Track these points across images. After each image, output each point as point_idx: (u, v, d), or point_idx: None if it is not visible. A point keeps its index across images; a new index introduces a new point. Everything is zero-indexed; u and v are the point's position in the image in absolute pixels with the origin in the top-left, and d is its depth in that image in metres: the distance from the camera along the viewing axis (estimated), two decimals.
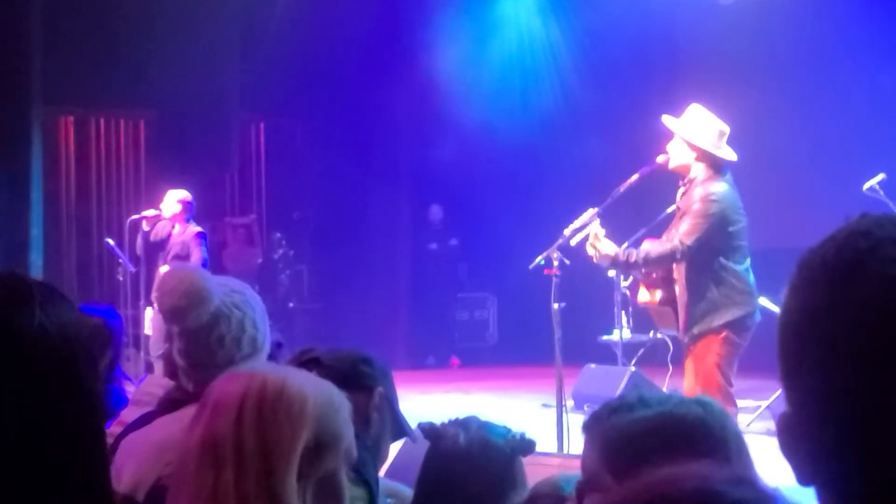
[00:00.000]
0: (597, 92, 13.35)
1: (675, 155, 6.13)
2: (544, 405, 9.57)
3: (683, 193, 6.13)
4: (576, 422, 4.62)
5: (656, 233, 6.41)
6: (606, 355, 10.62)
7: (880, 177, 8.21)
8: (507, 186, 13.85)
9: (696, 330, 5.98)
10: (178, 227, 10.19)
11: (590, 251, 6.07)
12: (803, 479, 0.96)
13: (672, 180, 6.37)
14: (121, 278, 11.12)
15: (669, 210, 6.49)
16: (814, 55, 11.68)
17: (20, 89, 11.34)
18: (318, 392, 1.80)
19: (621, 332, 10.46)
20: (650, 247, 6.11)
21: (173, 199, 10.24)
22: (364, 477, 2.49)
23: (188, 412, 2.57)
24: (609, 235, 6.09)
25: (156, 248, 10.31)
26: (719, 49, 12.22)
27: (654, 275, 6.31)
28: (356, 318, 13.37)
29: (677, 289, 6.10)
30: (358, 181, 14.01)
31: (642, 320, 10.12)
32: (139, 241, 10.54)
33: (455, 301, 14.68)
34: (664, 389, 9.84)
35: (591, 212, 6.18)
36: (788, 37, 11.75)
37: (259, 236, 14.40)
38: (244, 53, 13.59)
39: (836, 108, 11.36)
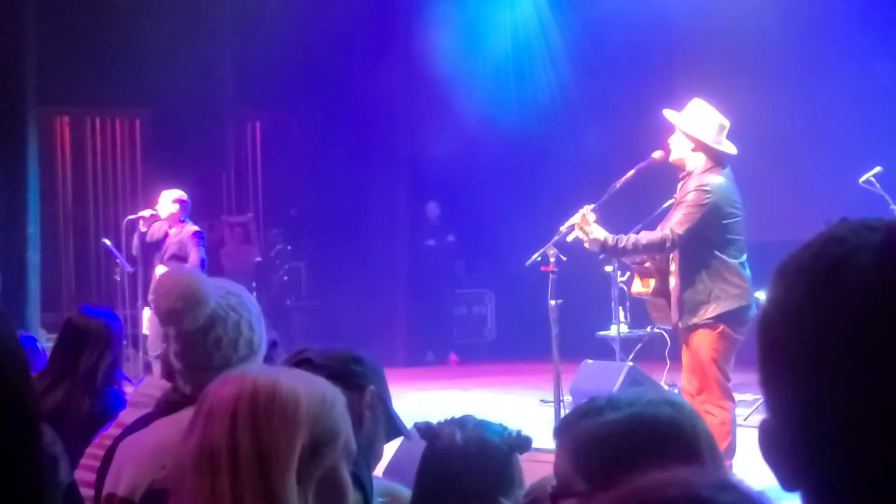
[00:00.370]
0: (594, 87, 13.35)
1: (676, 148, 6.15)
2: (542, 401, 9.58)
3: (681, 186, 6.15)
4: None
5: (653, 228, 6.41)
6: (604, 351, 10.61)
7: (876, 169, 8.22)
8: (505, 183, 13.85)
9: (688, 321, 5.99)
10: (174, 228, 10.17)
11: (579, 235, 6.08)
12: (787, 486, 0.96)
13: (669, 176, 6.39)
14: (118, 278, 11.11)
15: (667, 204, 6.51)
16: (810, 48, 11.67)
17: (15, 89, 11.32)
18: (310, 391, 1.79)
19: (618, 328, 10.45)
20: (642, 234, 6.13)
21: (169, 199, 10.23)
22: (357, 478, 2.49)
23: (185, 415, 2.57)
24: (603, 228, 6.10)
25: (152, 249, 10.29)
26: (716, 43, 12.22)
27: (648, 265, 6.32)
28: (354, 316, 13.38)
29: (672, 280, 6.11)
30: (355, 178, 14.01)
31: (639, 315, 10.12)
32: (135, 241, 10.53)
33: (453, 297, 14.69)
34: (662, 384, 9.86)
35: (587, 208, 6.19)
36: (785, 30, 11.74)
37: (256, 235, 14.40)
38: (239, 51, 13.59)
39: (832, 101, 11.36)
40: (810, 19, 11.57)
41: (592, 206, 6.20)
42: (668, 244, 5.98)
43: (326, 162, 14.39)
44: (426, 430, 2.56)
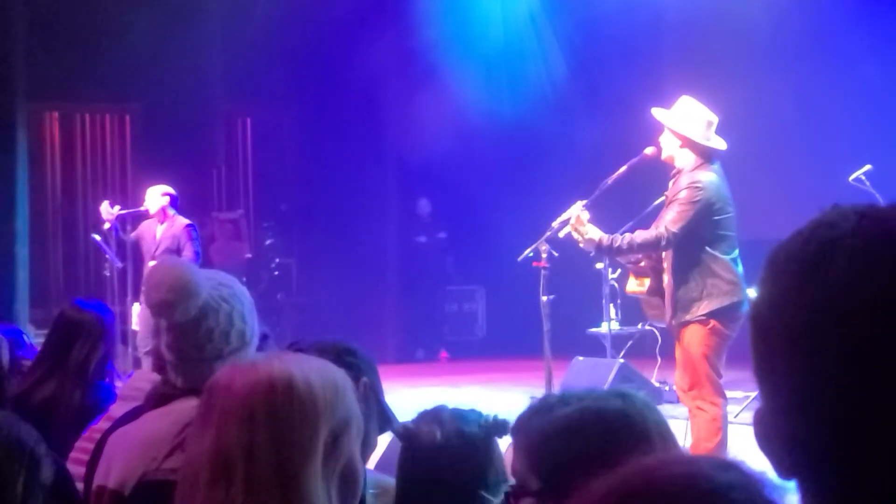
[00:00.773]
0: (586, 82, 13.36)
1: (665, 146, 6.16)
2: (533, 398, 9.57)
3: (673, 183, 6.15)
4: None
5: (645, 225, 6.41)
6: (595, 347, 10.63)
7: (866, 168, 8.24)
8: (496, 179, 13.84)
9: (681, 318, 6.00)
10: (165, 223, 10.14)
11: (574, 235, 6.08)
12: (782, 473, 0.96)
13: (660, 173, 6.39)
14: (107, 274, 11.09)
15: (657, 202, 6.51)
16: (799, 46, 11.70)
17: (4, 85, 11.29)
18: (324, 380, 1.74)
19: (610, 325, 10.47)
20: (636, 233, 6.13)
21: (157, 194, 10.21)
22: None
23: (176, 407, 2.57)
24: (597, 227, 6.10)
25: (142, 246, 10.28)
26: (708, 39, 12.24)
27: (643, 263, 6.33)
28: (344, 312, 13.36)
29: (665, 278, 6.12)
30: (346, 174, 13.99)
31: (631, 312, 10.13)
32: (127, 234, 10.53)
33: (444, 294, 14.69)
34: (653, 381, 9.87)
35: (579, 204, 6.19)
36: (776, 27, 11.76)
37: (247, 231, 14.38)
38: (229, 46, 13.56)
39: (823, 99, 11.38)
40: (801, 17, 11.58)
41: (585, 202, 6.20)
42: (664, 242, 5.99)
43: (317, 158, 14.37)
44: (405, 433, 2.56)
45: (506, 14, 14.24)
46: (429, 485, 2.49)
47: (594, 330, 10.83)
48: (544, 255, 6.39)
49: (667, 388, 9.49)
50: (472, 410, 2.60)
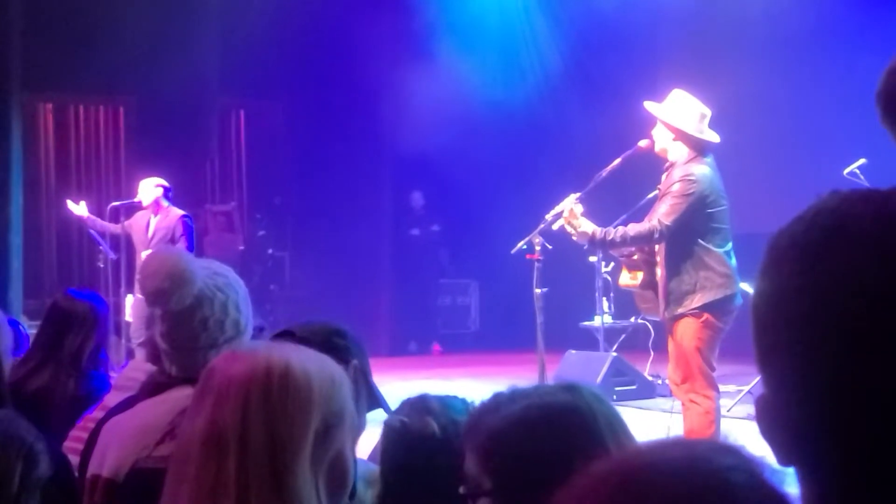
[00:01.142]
0: (580, 76, 13.36)
1: (658, 139, 6.16)
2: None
3: (666, 176, 6.15)
4: None
5: (638, 218, 6.40)
6: (588, 341, 10.64)
7: (861, 161, 8.24)
8: (490, 172, 13.84)
9: (674, 311, 6.00)
10: (159, 214, 10.14)
11: (567, 228, 6.07)
12: (782, 461, 0.96)
13: (654, 166, 6.39)
14: (101, 265, 11.08)
15: (651, 195, 6.51)
16: (794, 40, 11.70)
17: None
18: (320, 371, 1.75)
19: (602, 318, 10.48)
20: (629, 226, 6.13)
21: (150, 185, 10.21)
22: None
23: (170, 395, 2.57)
24: (590, 220, 6.10)
25: (133, 237, 10.27)
26: (702, 32, 12.24)
27: (636, 256, 6.32)
28: (337, 305, 13.33)
29: (658, 271, 6.12)
30: (340, 167, 13.99)
31: (624, 306, 10.15)
32: (121, 226, 10.52)
33: (437, 287, 14.69)
34: (646, 374, 9.89)
35: (573, 197, 6.18)
36: (771, 21, 11.76)
37: (240, 223, 14.36)
38: (224, 39, 13.55)
39: (818, 92, 11.39)
40: (796, 10, 11.58)
41: (578, 194, 6.19)
42: (657, 235, 5.98)
43: (311, 151, 14.37)
44: (401, 429, 2.54)
45: (501, 7, 14.23)
46: (426, 476, 2.47)
47: (587, 323, 10.84)
48: (538, 248, 6.39)
49: (660, 382, 9.50)
50: (456, 397, 2.58)
